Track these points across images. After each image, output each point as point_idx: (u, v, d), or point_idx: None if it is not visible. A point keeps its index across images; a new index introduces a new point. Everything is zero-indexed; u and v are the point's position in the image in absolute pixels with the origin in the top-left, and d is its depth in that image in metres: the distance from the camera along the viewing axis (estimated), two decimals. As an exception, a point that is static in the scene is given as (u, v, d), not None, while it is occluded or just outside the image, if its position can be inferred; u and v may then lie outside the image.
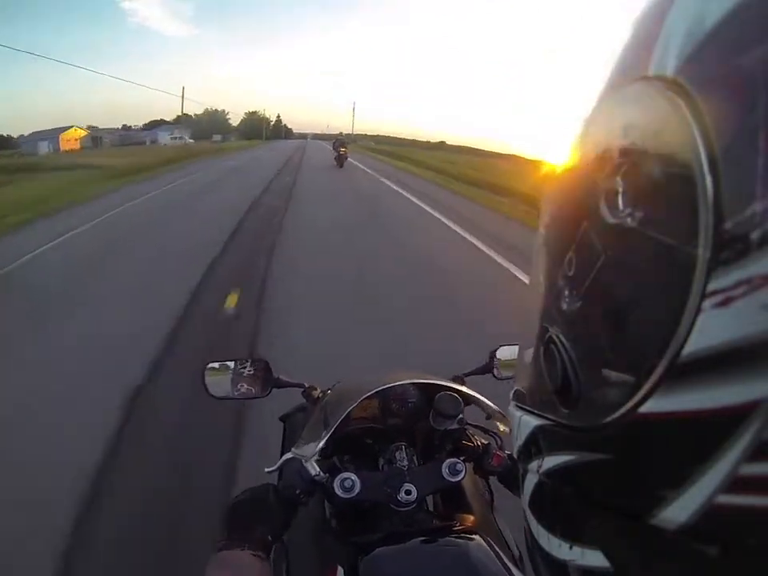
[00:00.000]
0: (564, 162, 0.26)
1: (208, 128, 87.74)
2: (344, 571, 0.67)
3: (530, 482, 0.26)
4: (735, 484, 0.15)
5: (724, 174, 0.16)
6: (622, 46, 0.23)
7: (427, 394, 0.89)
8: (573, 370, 0.22)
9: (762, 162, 0.15)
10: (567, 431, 0.22)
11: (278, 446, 1.14)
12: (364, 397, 0.80)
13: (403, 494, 0.76)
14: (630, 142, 0.20)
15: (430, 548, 0.70)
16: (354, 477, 0.76)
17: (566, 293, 0.23)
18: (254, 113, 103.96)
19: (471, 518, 0.81)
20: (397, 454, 0.82)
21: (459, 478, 0.79)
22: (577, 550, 0.22)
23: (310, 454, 0.75)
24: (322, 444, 0.74)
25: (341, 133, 22.89)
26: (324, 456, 0.79)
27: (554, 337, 0.23)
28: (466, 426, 0.87)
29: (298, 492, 0.74)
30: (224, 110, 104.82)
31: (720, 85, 0.17)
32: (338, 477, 0.75)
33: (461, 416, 0.82)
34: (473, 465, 0.86)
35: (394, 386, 0.85)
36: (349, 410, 0.77)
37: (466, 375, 1.04)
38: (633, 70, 0.21)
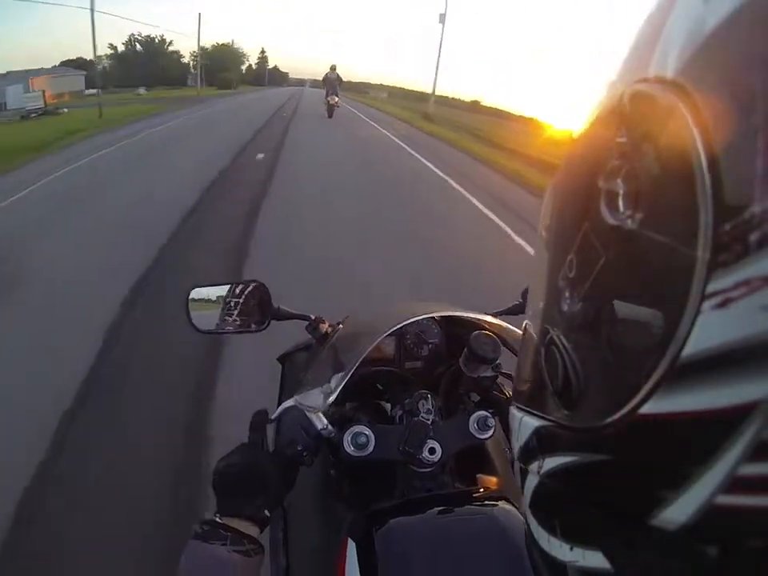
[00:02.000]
0: (565, 163, 0.26)
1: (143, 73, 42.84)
2: (356, 545, 0.58)
3: (531, 482, 0.26)
4: (735, 484, 0.15)
5: (723, 175, 0.16)
6: (624, 48, 0.23)
7: (452, 334, 0.78)
8: (573, 371, 0.22)
9: (761, 164, 0.15)
10: (568, 432, 0.22)
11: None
12: (385, 334, 0.68)
13: (426, 452, 0.63)
14: (630, 143, 0.20)
15: (454, 517, 0.59)
16: (367, 431, 0.63)
17: (567, 294, 0.23)
18: (224, 45, 60.26)
19: (494, 479, 0.72)
20: (420, 404, 0.67)
21: (488, 435, 0.67)
22: (577, 550, 0.22)
23: (316, 403, 0.63)
24: (334, 395, 0.62)
25: (333, 68, 13.91)
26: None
27: (555, 338, 0.23)
28: (500, 373, 0.72)
29: (300, 449, 0.62)
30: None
31: (720, 87, 0.17)
32: (349, 431, 0.63)
33: (498, 361, 0.68)
34: (499, 419, 0.71)
35: (414, 321, 0.71)
36: (366, 351, 0.65)
37: (496, 315, 0.85)
38: (633, 71, 0.21)
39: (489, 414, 0.67)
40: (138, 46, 45.46)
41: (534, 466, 0.26)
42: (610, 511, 0.20)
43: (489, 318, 0.75)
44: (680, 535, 0.17)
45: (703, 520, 0.16)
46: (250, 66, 76.42)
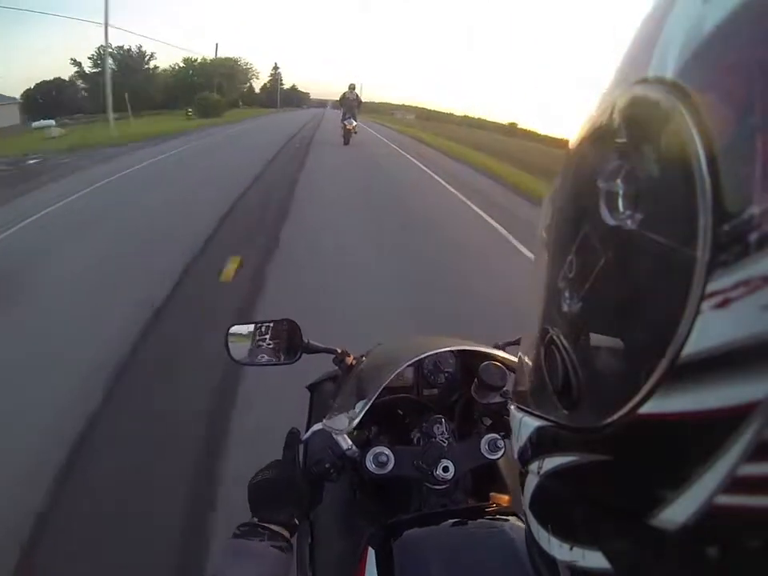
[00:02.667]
0: (564, 164, 0.26)
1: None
2: (375, 553, 0.63)
3: (531, 482, 0.26)
4: (735, 484, 0.15)
5: (723, 176, 0.16)
6: (622, 49, 0.23)
7: (465, 364, 0.84)
8: (573, 371, 0.22)
9: (760, 165, 0.15)
10: (568, 432, 0.22)
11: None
12: (404, 366, 0.74)
13: (440, 470, 0.69)
14: (629, 144, 0.20)
15: (467, 530, 0.64)
16: (387, 451, 0.70)
17: (567, 294, 0.23)
18: (222, 59, 45.18)
19: (506, 497, 0.75)
20: (435, 427, 0.75)
21: (498, 456, 0.73)
22: (577, 550, 0.22)
23: (341, 426, 0.70)
24: (357, 419, 0.68)
25: (352, 87, 12.24)
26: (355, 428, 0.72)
27: (555, 338, 0.23)
28: (508, 399, 0.77)
29: (327, 467, 0.69)
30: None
31: (719, 87, 0.17)
32: (371, 451, 0.70)
33: (506, 388, 0.76)
34: (509, 441, 0.74)
35: (430, 355, 0.78)
36: (388, 380, 0.72)
37: (507, 345, 0.93)
38: (633, 72, 0.21)
39: (499, 437, 0.74)
40: (111, 61, 27.68)
41: (533, 466, 0.26)
42: (609, 511, 0.20)
43: (497, 351, 0.81)
44: (680, 535, 0.17)
45: (703, 520, 0.16)
46: (265, 85, 67.04)
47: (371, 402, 0.70)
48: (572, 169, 0.25)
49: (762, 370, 0.15)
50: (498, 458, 0.73)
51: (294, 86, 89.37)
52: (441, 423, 0.75)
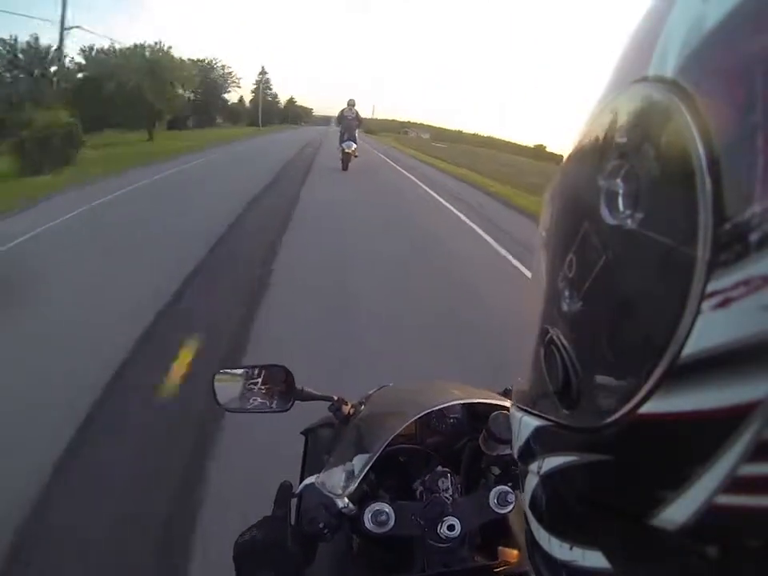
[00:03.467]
0: (564, 164, 0.26)
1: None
2: None
3: (531, 482, 0.26)
4: (735, 484, 0.15)
5: (723, 175, 0.16)
6: (623, 48, 0.23)
7: (472, 410, 0.79)
8: (573, 371, 0.22)
9: (761, 164, 0.15)
10: (567, 432, 0.22)
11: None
12: (408, 422, 0.69)
13: (445, 529, 0.64)
14: (629, 143, 0.20)
15: None
16: (388, 509, 0.64)
17: (567, 294, 0.23)
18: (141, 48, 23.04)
19: (515, 552, 0.71)
20: (440, 482, 0.69)
21: (508, 510, 0.68)
22: (577, 550, 0.22)
23: (337, 483, 0.65)
24: (357, 480, 0.64)
25: (351, 103, 10.71)
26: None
27: (555, 338, 0.23)
28: None
29: (321, 527, 0.63)
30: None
31: (719, 86, 0.17)
32: (369, 508, 0.64)
33: None
34: (520, 493, 0.70)
35: (437, 409, 0.73)
36: (390, 438, 0.66)
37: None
38: (633, 71, 0.21)
39: (509, 489, 0.69)
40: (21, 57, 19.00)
41: (533, 466, 0.26)
42: (610, 511, 0.20)
43: (507, 402, 0.77)
44: (680, 535, 0.17)
45: (703, 520, 0.16)
46: (255, 97, 57.77)
47: (372, 462, 0.65)
48: (572, 168, 0.25)
49: (762, 369, 0.15)
50: (508, 512, 0.69)
51: (291, 99, 77.79)
52: (446, 477, 0.69)
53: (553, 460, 0.24)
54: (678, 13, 0.19)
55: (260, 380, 0.87)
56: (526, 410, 0.27)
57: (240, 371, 0.88)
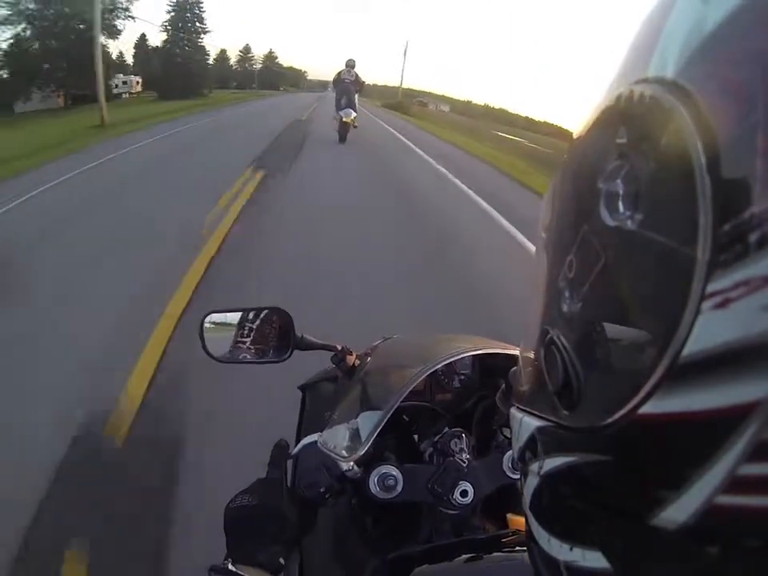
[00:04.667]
0: (564, 164, 0.26)
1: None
2: None
3: (531, 483, 0.26)
4: (735, 484, 0.15)
5: (723, 175, 0.16)
6: (623, 49, 0.23)
7: (484, 366, 0.74)
8: (573, 372, 0.22)
9: (761, 164, 0.15)
10: (568, 432, 0.22)
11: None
12: (421, 377, 0.63)
13: (458, 495, 0.59)
14: (629, 144, 0.20)
15: (483, 564, 0.54)
16: (396, 472, 0.59)
17: (567, 295, 0.23)
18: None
19: (523, 519, 0.68)
20: (453, 443, 0.63)
21: None
22: (577, 551, 0.22)
23: (341, 443, 0.59)
24: (367, 444, 0.57)
25: (350, 64, 9.14)
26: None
27: (555, 338, 0.23)
28: None
29: (322, 491, 0.58)
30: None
31: (719, 87, 0.17)
32: (376, 471, 0.59)
33: None
34: None
35: (451, 361, 0.67)
36: (402, 396, 0.61)
37: None
38: (633, 72, 0.21)
39: None
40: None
41: (534, 467, 0.26)
42: (610, 511, 0.20)
43: None
44: (680, 535, 0.17)
45: (703, 520, 0.16)
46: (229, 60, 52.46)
47: (383, 423, 0.58)
48: (572, 168, 0.25)
49: (762, 370, 0.15)
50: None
51: (270, 53, 62.39)
52: (460, 438, 0.63)
53: (553, 460, 0.24)
54: (678, 14, 0.19)
55: (255, 325, 0.78)
56: (526, 411, 0.27)
57: (233, 315, 0.77)
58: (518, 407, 0.29)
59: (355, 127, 9.13)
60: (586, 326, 0.21)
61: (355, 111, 8.82)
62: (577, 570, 0.23)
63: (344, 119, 8.81)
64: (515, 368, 0.62)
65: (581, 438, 0.22)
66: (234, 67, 60.16)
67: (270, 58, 65.85)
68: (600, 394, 0.20)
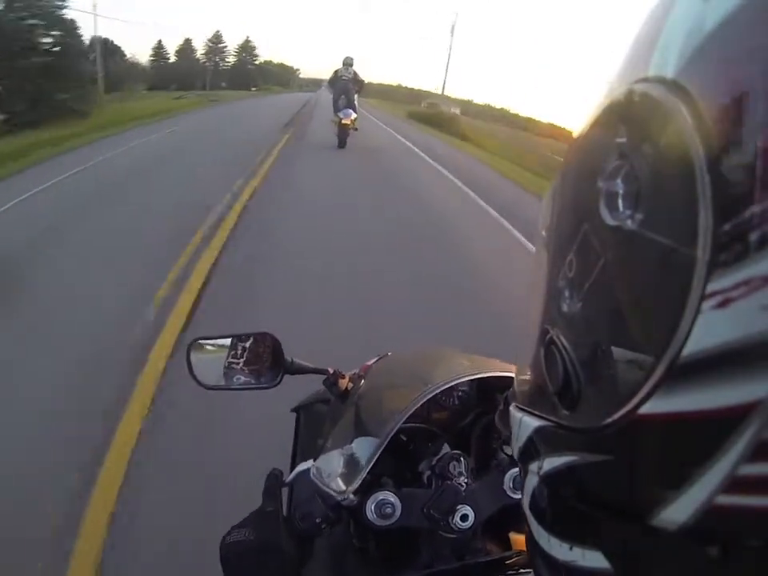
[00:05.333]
0: (564, 164, 0.26)
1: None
2: None
3: (531, 483, 0.26)
4: (735, 484, 0.15)
5: (723, 175, 0.16)
6: (623, 48, 0.23)
7: (481, 383, 0.72)
8: (573, 372, 0.22)
9: (761, 164, 0.15)
10: (567, 432, 0.22)
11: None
12: (418, 405, 0.62)
13: (458, 519, 0.58)
14: (630, 143, 0.20)
15: None
16: (393, 498, 0.57)
17: (567, 294, 0.23)
18: None
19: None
20: (451, 466, 0.62)
21: None
22: (577, 550, 0.22)
23: (335, 471, 0.58)
24: (361, 476, 0.56)
25: (348, 62, 8.66)
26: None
27: (555, 338, 0.23)
28: None
29: (318, 521, 0.57)
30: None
31: (719, 86, 0.17)
32: (372, 498, 0.57)
33: None
34: None
35: (449, 386, 0.65)
36: (399, 424, 0.59)
37: None
38: (633, 71, 0.21)
39: None
40: None
41: (534, 467, 0.26)
42: (610, 511, 0.20)
43: None
44: (680, 535, 0.17)
45: (703, 520, 0.16)
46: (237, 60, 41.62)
47: (380, 451, 0.57)
48: (572, 168, 0.25)
49: (762, 370, 0.15)
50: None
51: (247, 41, 47.57)
52: (458, 461, 0.62)
53: (553, 460, 0.24)
54: (678, 13, 0.19)
55: (245, 352, 0.76)
56: (525, 410, 0.27)
57: (220, 342, 0.76)
58: (517, 407, 0.29)
59: (355, 129, 8.52)
60: (586, 326, 0.21)
61: (355, 112, 8.31)
62: (577, 570, 0.23)
63: (343, 121, 8.21)
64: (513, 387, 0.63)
65: (581, 437, 0.22)
66: (203, 61, 46.92)
67: (247, 48, 49.60)
68: (600, 393, 0.20)
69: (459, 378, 0.66)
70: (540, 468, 0.25)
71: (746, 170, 0.15)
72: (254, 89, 38.39)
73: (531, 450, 0.26)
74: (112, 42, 32.55)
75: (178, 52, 45.44)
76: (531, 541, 0.27)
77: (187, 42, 46.39)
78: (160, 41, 44.06)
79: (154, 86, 35.23)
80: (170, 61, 45.04)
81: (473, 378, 0.67)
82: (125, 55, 32.97)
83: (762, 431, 0.15)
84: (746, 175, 0.15)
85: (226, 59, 49.65)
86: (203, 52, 47.83)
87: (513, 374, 0.66)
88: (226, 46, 48.81)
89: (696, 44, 0.18)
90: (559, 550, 0.24)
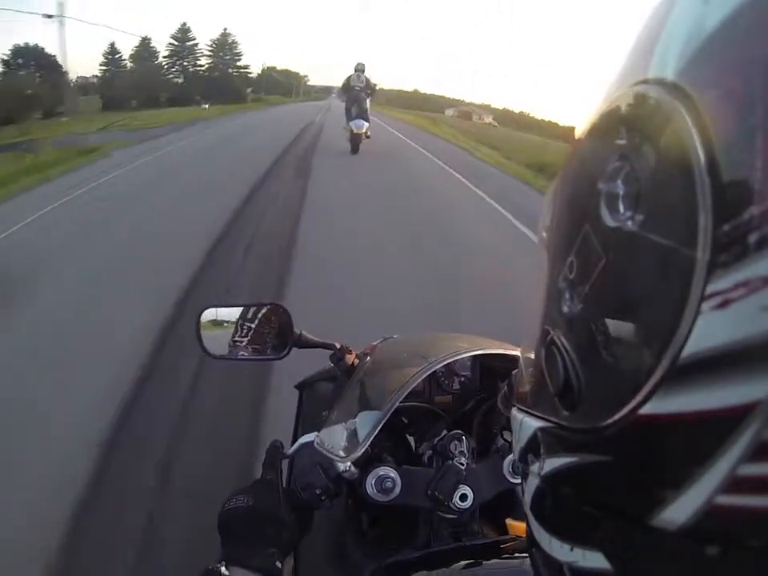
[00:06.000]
0: (565, 165, 0.26)
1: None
2: None
3: (532, 483, 0.26)
4: (735, 484, 0.16)
5: (723, 176, 0.16)
6: (624, 50, 0.23)
7: (485, 368, 0.74)
8: (574, 372, 0.22)
9: (760, 165, 0.15)
10: (568, 433, 0.22)
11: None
12: (421, 377, 0.62)
13: (457, 499, 0.58)
14: (630, 145, 0.20)
15: (482, 571, 0.54)
16: (394, 474, 0.58)
17: (567, 295, 0.23)
18: None
19: (524, 525, 0.62)
20: (453, 445, 0.62)
21: None
22: (577, 551, 0.22)
23: (339, 443, 0.58)
24: (362, 447, 0.56)
25: (360, 69, 8.53)
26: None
27: (556, 339, 0.23)
28: None
29: (318, 493, 0.57)
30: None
31: (719, 88, 0.17)
32: (373, 473, 0.58)
33: None
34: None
35: (450, 361, 0.66)
36: (401, 397, 0.60)
37: None
38: (633, 73, 0.21)
39: None
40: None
41: (534, 467, 0.26)
42: (610, 511, 0.20)
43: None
44: (680, 535, 0.17)
45: (703, 520, 0.16)
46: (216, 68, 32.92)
47: (382, 423, 0.57)
48: (572, 169, 0.25)
49: (761, 370, 0.15)
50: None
51: (225, 34, 35.90)
52: (460, 441, 0.62)
53: (554, 461, 0.24)
54: (678, 14, 0.19)
55: (254, 323, 0.76)
56: (526, 411, 0.27)
57: (230, 311, 0.76)
58: (518, 408, 0.29)
59: (368, 137, 8.40)
60: (586, 327, 0.21)
61: (367, 121, 8.21)
62: (577, 571, 0.23)
63: (355, 131, 8.13)
64: (517, 370, 0.62)
65: (581, 438, 0.22)
66: (165, 65, 35.46)
67: (221, 45, 36.56)
68: (600, 394, 0.20)
69: (459, 354, 0.66)
70: (541, 468, 0.25)
71: (745, 172, 0.15)
72: (205, 106, 27.00)
73: (532, 451, 0.26)
74: (43, 49, 26.08)
75: (133, 56, 35.11)
76: (532, 541, 0.27)
77: (145, 42, 34.69)
78: (113, 43, 33.08)
79: (110, 104, 28.30)
80: (127, 68, 34.83)
81: (475, 353, 0.68)
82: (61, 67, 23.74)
83: (762, 431, 0.15)
84: (746, 176, 0.15)
85: (198, 62, 37.27)
86: (166, 55, 36.46)
87: (513, 352, 0.67)
88: (196, 44, 35.73)
89: (696, 46, 0.18)
90: (560, 550, 0.24)
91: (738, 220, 0.15)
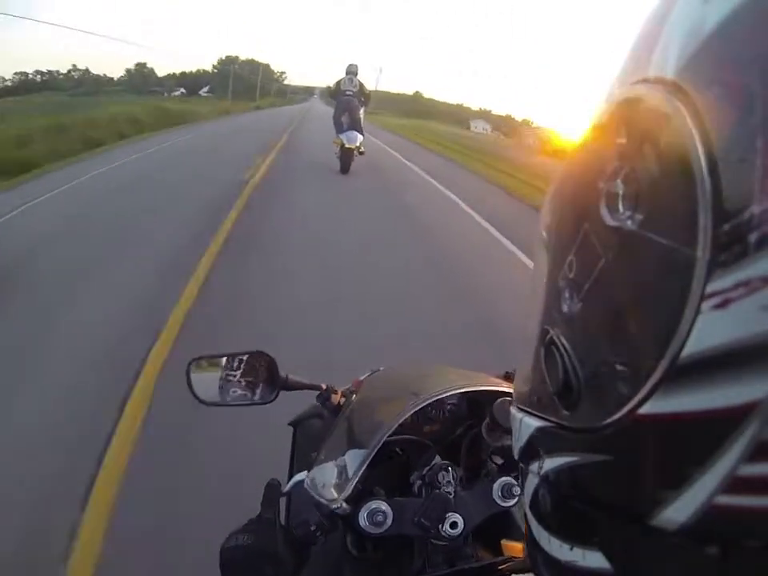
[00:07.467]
0: (565, 165, 0.26)
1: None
2: None
3: (531, 483, 0.26)
4: (734, 484, 0.15)
5: (723, 176, 0.16)
6: (623, 49, 0.23)
7: (471, 397, 0.75)
8: (573, 372, 0.22)
9: (761, 165, 0.15)
10: (568, 433, 0.22)
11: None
12: (405, 416, 0.64)
13: (447, 527, 0.60)
14: (630, 144, 0.20)
15: None
16: (385, 507, 0.60)
17: (567, 295, 0.23)
18: None
19: (519, 546, 0.66)
20: (440, 475, 0.64)
21: (513, 503, 0.64)
22: (577, 551, 0.22)
23: (329, 481, 0.61)
24: (351, 485, 0.58)
25: (352, 71, 7.07)
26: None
27: (555, 338, 0.23)
28: None
29: (313, 529, 0.59)
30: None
31: (719, 87, 0.17)
32: (365, 507, 0.59)
33: None
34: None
35: (436, 399, 0.68)
36: (386, 435, 0.62)
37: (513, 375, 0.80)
38: (633, 72, 0.21)
39: (514, 481, 0.65)
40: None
41: (534, 467, 0.26)
42: (610, 511, 0.20)
43: (510, 389, 0.72)
44: (680, 535, 0.17)
45: (703, 520, 0.16)
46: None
47: (368, 460, 0.60)
48: (572, 169, 0.25)
49: (762, 370, 0.15)
50: (513, 506, 0.64)
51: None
52: (447, 471, 0.64)
53: (553, 460, 0.24)
54: (678, 14, 0.19)
55: (240, 370, 0.81)
56: (526, 411, 0.27)
57: (218, 359, 0.81)
58: (518, 407, 0.29)
59: (361, 153, 6.98)
60: (586, 326, 0.21)
61: (361, 134, 6.79)
62: (577, 570, 0.23)
63: (347, 145, 6.66)
64: (500, 400, 0.63)
65: (581, 438, 0.22)
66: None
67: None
68: (600, 394, 0.20)
69: (447, 392, 0.68)
70: (540, 468, 0.25)
71: (745, 171, 0.15)
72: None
73: (532, 451, 0.26)
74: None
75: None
76: (531, 541, 0.27)
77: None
78: None
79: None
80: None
81: (461, 391, 0.70)
82: None
83: (761, 431, 0.15)
84: (746, 175, 0.15)
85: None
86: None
87: (501, 389, 0.69)
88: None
89: (696, 45, 0.18)
90: (560, 550, 0.24)
91: (738, 219, 0.15)
